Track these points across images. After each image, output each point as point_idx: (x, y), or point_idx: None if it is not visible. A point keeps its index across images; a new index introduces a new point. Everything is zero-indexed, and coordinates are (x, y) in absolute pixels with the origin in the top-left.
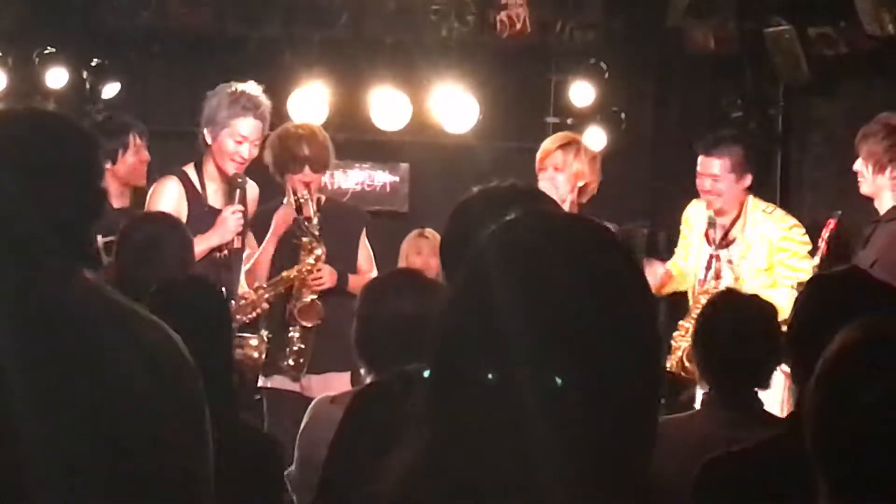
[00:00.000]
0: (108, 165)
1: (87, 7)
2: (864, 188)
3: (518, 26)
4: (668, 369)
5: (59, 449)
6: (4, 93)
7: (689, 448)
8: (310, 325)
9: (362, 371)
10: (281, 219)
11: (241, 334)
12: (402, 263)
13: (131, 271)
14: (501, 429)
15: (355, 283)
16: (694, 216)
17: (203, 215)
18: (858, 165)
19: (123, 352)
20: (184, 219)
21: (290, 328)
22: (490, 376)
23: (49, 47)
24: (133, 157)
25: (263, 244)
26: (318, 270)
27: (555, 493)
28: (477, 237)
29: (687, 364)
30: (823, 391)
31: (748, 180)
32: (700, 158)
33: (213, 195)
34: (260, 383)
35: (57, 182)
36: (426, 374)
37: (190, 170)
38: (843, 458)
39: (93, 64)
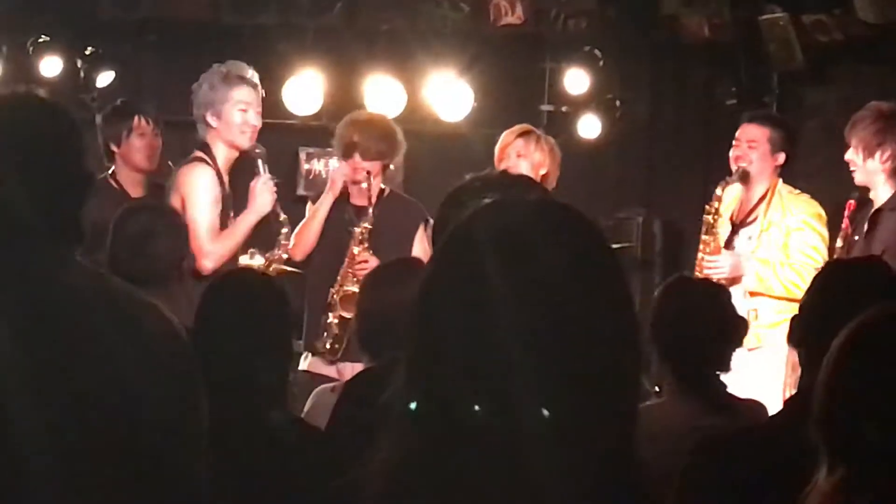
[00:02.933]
0: (115, 149)
1: None
2: (858, 177)
3: (512, 14)
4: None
5: (53, 434)
6: None
7: (655, 437)
8: (348, 315)
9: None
10: (338, 175)
11: None
12: None
13: (125, 263)
14: (482, 416)
15: None
16: (728, 199)
17: (224, 199)
18: (850, 155)
19: (119, 333)
20: (219, 203)
21: (330, 313)
22: (468, 345)
23: (43, 36)
24: (139, 141)
25: (319, 201)
26: (365, 261)
27: (542, 485)
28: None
29: None
30: (837, 366)
31: (781, 158)
32: (742, 127)
33: (227, 181)
34: (301, 366)
35: (41, 164)
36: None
37: (204, 156)
38: (850, 432)
39: (87, 52)
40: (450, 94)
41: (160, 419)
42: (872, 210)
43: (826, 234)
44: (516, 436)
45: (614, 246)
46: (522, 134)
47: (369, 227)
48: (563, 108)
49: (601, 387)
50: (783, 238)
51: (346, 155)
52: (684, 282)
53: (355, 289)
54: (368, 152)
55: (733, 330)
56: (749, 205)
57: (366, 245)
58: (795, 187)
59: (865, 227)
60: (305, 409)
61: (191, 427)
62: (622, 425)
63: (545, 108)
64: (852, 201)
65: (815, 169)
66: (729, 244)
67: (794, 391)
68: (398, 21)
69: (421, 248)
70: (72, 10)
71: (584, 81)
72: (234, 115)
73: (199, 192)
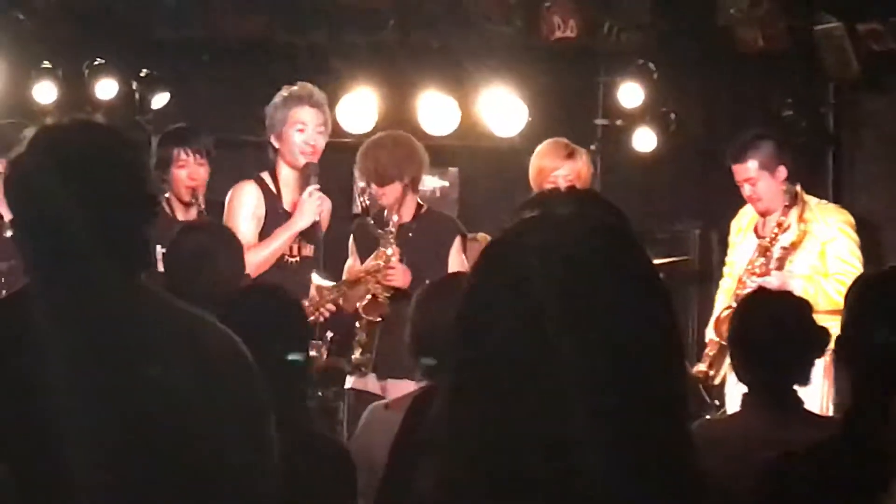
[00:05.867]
0: (163, 175)
1: (136, 18)
2: None
3: (565, 28)
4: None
5: (119, 455)
6: (55, 104)
7: (730, 449)
8: (371, 318)
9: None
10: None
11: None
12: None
13: (183, 282)
14: (527, 411)
15: None
16: (745, 218)
17: (279, 218)
18: None
19: (182, 354)
20: (262, 221)
21: (356, 323)
22: (508, 359)
23: (98, 58)
24: (179, 171)
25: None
26: (392, 268)
27: (591, 480)
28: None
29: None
30: None
31: (784, 171)
32: (732, 168)
33: (289, 200)
34: (346, 385)
35: (108, 190)
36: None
37: (266, 176)
38: None
39: (142, 74)
40: (504, 110)
41: (229, 439)
42: None
43: (858, 239)
44: (564, 450)
45: (672, 259)
46: (570, 155)
47: (398, 221)
48: (618, 122)
49: (647, 400)
50: (820, 247)
51: (368, 184)
52: (765, 293)
53: (375, 293)
54: (383, 178)
55: (815, 342)
56: (775, 217)
57: (399, 248)
58: (854, 197)
59: None
60: (359, 426)
61: (261, 446)
62: (672, 438)
63: (599, 122)
64: None
65: (872, 178)
66: (760, 251)
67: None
68: (451, 37)
69: (458, 262)
70: (126, 33)
71: (639, 95)
72: (293, 135)
73: (236, 206)
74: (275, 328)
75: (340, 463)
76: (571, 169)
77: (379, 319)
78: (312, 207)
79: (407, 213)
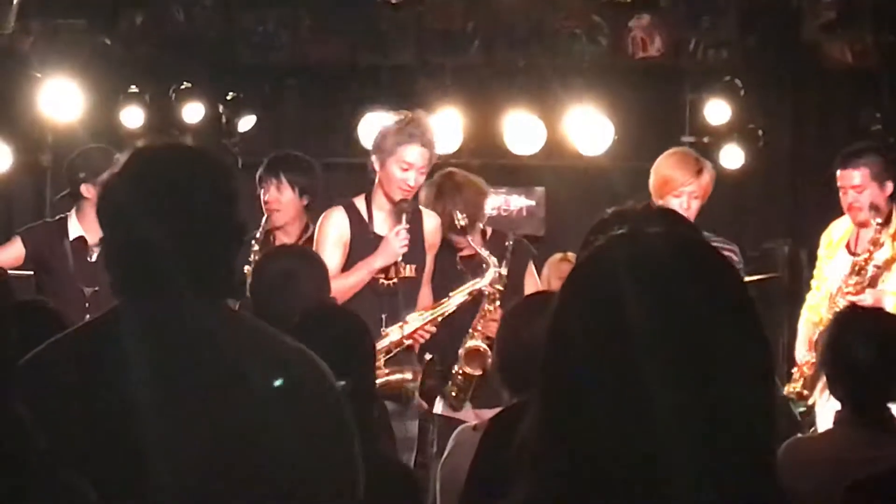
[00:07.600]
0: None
1: (221, 42)
2: None
3: (651, 46)
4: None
5: (202, 476)
6: (142, 128)
7: (823, 467)
8: (471, 372)
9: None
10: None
11: (395, 366)
12: (543, 287)
13: (267, 304)
14: (618, 427)
15: None
16: (836, 233)
17: (369, 243)
18: None
19: (268, 378)
20: (347, 247)
21: (456, 364)
22: (599, 377)
23: (185, 82)
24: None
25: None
26: (495, 320)
27: (680, 497)
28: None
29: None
30: None
31: (890, 188)
32: (839, 173)
33: (381, 224)
34: (436, 409)
35: (199, 214)
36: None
37: (359, 200)
38: None
39: (228, 98)
40: (590, 129)
41: (311, 457)
42: None
43: None
44: (653, 466)
45: (761, 276)
46: (699, 172)
47: (502, 289)
48: (705, 139)
49: (735, 416)
50: None
51: (453, 234)
52: (858, 310)
53: (479, 344)
54: (473, 228)
55: None
56: (868, 234)
57: (497, 304)
58: None
59: None
60: (447, 449)
61: (349, 470)
62: (759, 455)
63: (686, 139)
64: None
65: None
66: (854, 270)
67: None
68: (536, 57)
69: (532, 283)
70: (212, 57)
71: (726, 112)
72: (395, 171)
73: (322, 234)
74: (334, 349)
75: (407, 484)
76: (699, 185)
77: (479, 373)
78: (395, 248)
79: (478, 240)
